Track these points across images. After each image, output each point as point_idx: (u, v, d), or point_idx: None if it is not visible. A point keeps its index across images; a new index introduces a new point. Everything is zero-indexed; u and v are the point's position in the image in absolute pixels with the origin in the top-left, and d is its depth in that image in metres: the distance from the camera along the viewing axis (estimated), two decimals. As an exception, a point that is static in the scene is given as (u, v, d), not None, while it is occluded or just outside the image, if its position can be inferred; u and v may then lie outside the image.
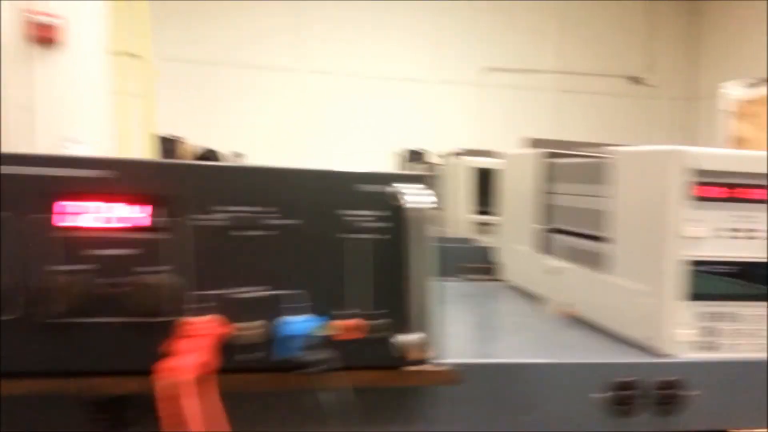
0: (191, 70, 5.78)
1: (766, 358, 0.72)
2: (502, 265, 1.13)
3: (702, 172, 0.70)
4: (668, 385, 0.68)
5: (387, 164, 4.33)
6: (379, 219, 0.54)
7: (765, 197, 0.72)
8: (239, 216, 0.52)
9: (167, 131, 4.68)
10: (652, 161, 0.73)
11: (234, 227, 0.52)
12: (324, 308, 0.53)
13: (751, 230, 0.72)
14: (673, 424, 0.69)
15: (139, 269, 0.50)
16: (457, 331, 0.77)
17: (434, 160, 2.76)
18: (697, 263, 0.70)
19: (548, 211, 0.98)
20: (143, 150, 4.38)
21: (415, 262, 0.53)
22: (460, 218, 1.37)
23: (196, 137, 5.34)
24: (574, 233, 0.91)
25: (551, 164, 0.98)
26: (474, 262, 1.19)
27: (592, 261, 0.84)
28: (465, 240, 1.30)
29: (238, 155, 5.28)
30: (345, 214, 0.53)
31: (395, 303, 0.54)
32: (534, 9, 6.25)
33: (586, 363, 0.67)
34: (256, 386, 0.52)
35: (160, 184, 0.51)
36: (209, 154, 4.01)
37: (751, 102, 1.98)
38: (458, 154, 1.41)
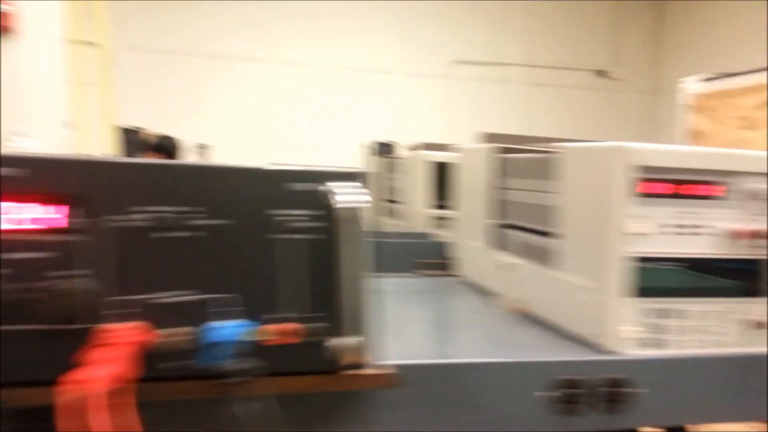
0: (158, 60, 5.66)
1: (713, 354, 0.72)
2: (458, 260, 1.12)
3: (647, 169, 0.70)
4: (614, 383, 0.68)
5: (355, 156, 4.31)
6: (313, 218, 0.52)
7: (710, 193, 0.72)
8: (163, 216, 0.49)
9: (132, 122, 4.58)
10: (597, 157, 0.73)
11: (157, 228, 0.49)
12: (255, 312, 0.51)
13: (697, 226, 0.72)
14: (620, 422, 0.69)
15: (54, 274, 0.47)
16: (407, 330, 0.76)
17: (402, 152, 2.74)
18: (643, 260, 0.70)
19: (501, 206, 0.98)
20: (103, 141, 4.27)
21: (347, 262, 0.51)
22: (419, 213, 1.36)
23: (161, 128, 5.24)
24: (525, 229, 0.90)
25: (504, 159, 0.97)
26: (431, 258, 1.18)
27: (542, 257, 0.84)
28: (423, 235, 1.28)
29: (203, 147, 5.20)
30: (276, 213, 0.51)
31: (331, 305, 0.52)
32: (502, 3, 6.26)
33: (532, 361, 0.67)
34: (181, 395, 0.49)
35: (77, 183, 0.48)
36: (165, 142, 3.90)
37: (707, 96, 2.01)
38: (416, 147, 1.39)
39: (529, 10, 6.36)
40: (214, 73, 5.80)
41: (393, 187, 1.54)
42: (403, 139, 6.04)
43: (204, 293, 0.50)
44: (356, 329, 0.52)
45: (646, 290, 0.70)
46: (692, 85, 2.07)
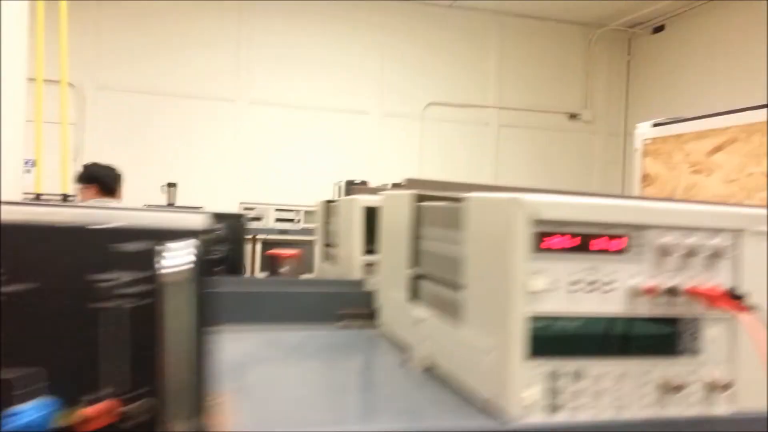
0: (128, 100, 5.63)
1: (626, 420, 0.67)
2: (382, 310, 1.06)
3: (548, 222, 0.65)
4: (513, 454, 0.62)
5: (327, 195, 4.27)
6: (141, 282, 0.46)
7: (618, 248, 0.67)
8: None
9: (101, 160, 4.51)
10: (495, 209, 0.68)
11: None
12: (68, 391, 0.44)
13: (604, 283, 0.67)
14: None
15: None
16: (289, 395, 0.70)
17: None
18: (542, 318, 0.65)
19: (418, 255, 0.92)
20: (64, 179, 4.18)
21: (175, 330, 0.45)
22: (354, 258, 1.30)
23: (130, 167, 5.17)
24: (438, 281, 0.85)
25: (420, 207, 0.92)
26: (358, 307, 1.12)
27: (450, 312, 0.78)
28: (357, 283, 1.23)
29: (171, 185, 5.13)
30: (97, 276, 0.45)
31: (157, 381, 0.46)
32: (478, 47, 6.37)
33: (415, 430, 0.60)
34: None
35: None
36: (100, 171, 3.38)
37: (655, 140, 2.01)
38: (359, 190, 1.34)
39: (504, 55, 6.48)
40: (189, 113, 5.78)
41: (330, 231, 1.49)
42: (376, 178, 6.04)
43: (2, 370, 0.44)
44: (189, 405, 0.46)
45: (550, 351, 0.65)
46: (645, 130, 2.07)
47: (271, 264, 1.60)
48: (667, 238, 0.68)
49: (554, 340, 0.65)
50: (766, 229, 0.70)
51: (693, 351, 0.69)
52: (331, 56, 6.04)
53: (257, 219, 5.07)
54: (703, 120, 1.85)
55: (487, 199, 0.70)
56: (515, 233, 0.64)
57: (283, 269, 1.55)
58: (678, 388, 0.67)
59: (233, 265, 1.20)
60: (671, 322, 0.69)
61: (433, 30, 6.29)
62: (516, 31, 6.48)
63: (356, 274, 1.29)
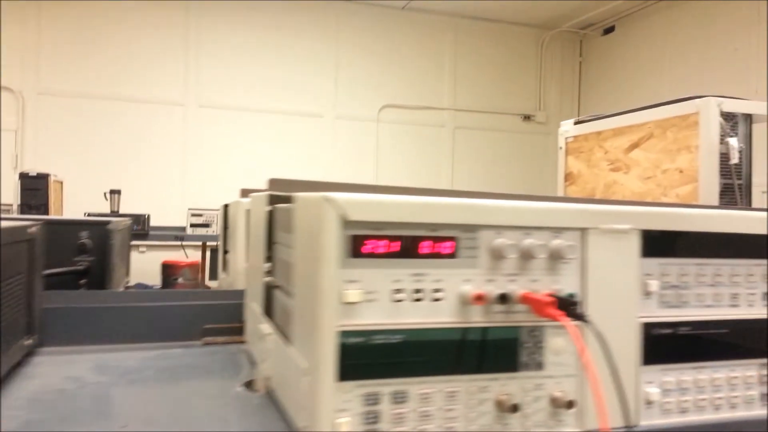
0: (71, 105, 5.44)
1: None
2: (246, 324, 0.97)
3: (364, 224, 0.58)
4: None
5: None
6: None
7: (440, 252, 0.60)
8: None
9: (41, 168, 4.33)
10: (313, 209, 0.60)
11: None
12: None
13: (426, 291, 0.60)
14: None
15: None
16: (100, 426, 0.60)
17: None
18: (359, 333, 0.57)
19: (272, 262, 0.84)
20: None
21: None
22: (240, 266, 1.21)
23: (73, 173, 5.00)
24: (284, 290, 0.77)
25: (272, 210, 0.84)
26: (228, 321, 1.03)
27: (285, 326, 0.70)
28: (236, 293, 1.14)
29: (114, 192, 4.96)
30: None
31: None
32: (430, 52, 6.34)
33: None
34: None
35: None
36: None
37: (577, 138, 1.97)
38: (245, 193, 1.26)
39: (458, 57, 6.46)
40: (133, 116, 5.61)
41: (228, 236, 1.40)
42: (332, 180, 5.94)
43: None
44: None
45: (369, 370, 0.57)
46: (568, 128, 2.03)
47: (165, 274, 1.49)
48: (502, 240, 0.61)
49: (373, 357, 0.58)
50: (613, 227, 0.64)
51: (536, 365, 0.62)
52: (283, 58, 5.94)
53: (206, 225, 4.92)
54: (621, 117, 1.81)
55: (307, 199, 0.63)
56: (326, 236, 0.57)
57: (179, 279, 1.45)
58: (517, 407, 0.60)
59: (99, 277, 1.10)
60: (512, 332, 0.62)
61: (388, 32, 6.25)
62: (470, 33, 6.47)
63: (241, 283, 1.20)
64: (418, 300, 0.59)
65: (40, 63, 5.40)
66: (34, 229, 0.86)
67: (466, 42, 6.46)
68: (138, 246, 4.63)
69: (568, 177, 2.03)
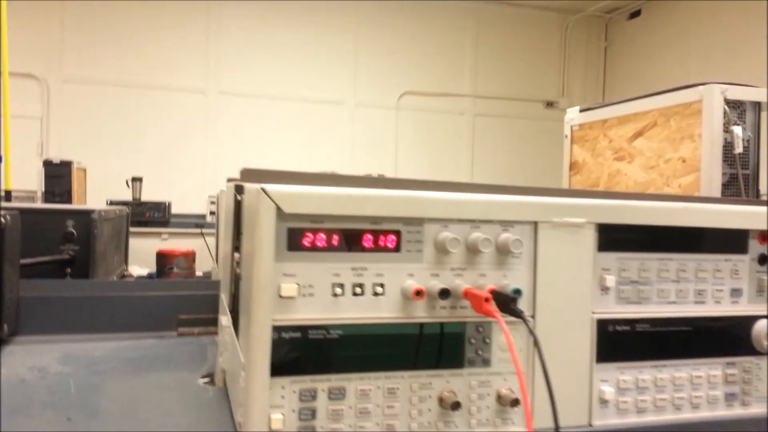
0: (94, 92, 5.51)
1: None
2: (219, 315, 0.97)
3: (303, 216, 0.57)
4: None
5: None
6: None
7: (382, 246, 0.59)
8: None
9: (64, 155, 4.42)
10: (253, 200, 0.59)
11: None
12: None
13: (367, 285, 0.58)
14: None
15: None
16: (37, 420, 0.61)
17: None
18: (296, 328, 0.56)
19: (240, 253, 0.84)
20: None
21: None
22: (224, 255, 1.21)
23: (95, 161, 5.08)
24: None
25: (240, 200, 0.84)
26: (205, 311, 1.03)
27: (236, 320, 0.69)
28: (217, 284, 1.14)
29: (136, 180, 5.03)
30: None
31: None
32: (453, 36, 6.26)
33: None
34: None
35: None
36: None
37: (582, 126, 1.92)
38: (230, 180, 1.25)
39: (480, 43, 6.37)
40: (158, 104, 5.67)
41: (218, 227, 1.40)
42: (351, 169, 5.94)
43: None
44: None
45: (306, 366, 0.57)
46: (573, 116, 1.98)
47: (160, 263, 1.51)
48: (447, 233, 0.59)
49: (310, 352, 0.57)
50: (566, 220, 0.62)
51: (482, 361, 0.61)
52: (304, 45, 5.92)
53: (225, 213, 4.95)
54: (626, 104, 1.76)
55: (249, 191, 0.62)
56: (261, 228, 0.56)
57: (174, 268, 1.47)
58: (460, 404, 0.59)
59: (84, 266, 1.11)
60: (457, 327, 0.60)
61: (408, 18, 6.18)
62: (492, 18, 6.36)
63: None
64: (358, 295, 0.58)
65: (64, 51, 5.48)
66: (8, 218, 0.87)
67: (487, 27, 6.36)
68: (161, 233, 4.70)
69: (573, 166, 1.99)
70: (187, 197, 5.33)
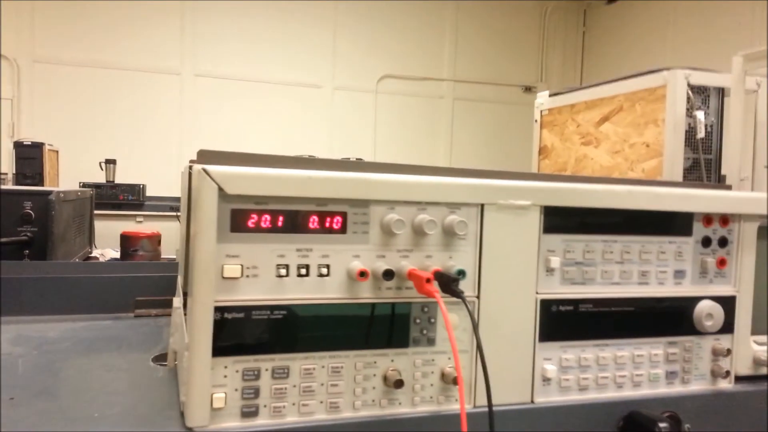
0: (66, 73, 5.40)
1: (343, 419, 0.59)
2: (174, 297, 0.97)
3: (246, 198, 0.57)
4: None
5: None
6: None
7: (328, 227, 0.59)
8: None
9: (36, 137, 4.33)
10: (198, 182, 0.59)
11: None
12: None
13: (312, 266, 0.58)
14: None
15: None
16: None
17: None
18: (239, 308, 0.57)
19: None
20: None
21: None
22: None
23: (68, 143, 4.99)
24: (196, 264, 0.76)
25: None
26: (166, 293, 1.03)
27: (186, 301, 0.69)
28: (176, 266, 1.13)
29: (110, 162, 4.96)
30: None
31: None
32: (431, 20, 6.23)
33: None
34: None
35: None
36: None
37: (551, 111, 1.93)
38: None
39: (459, 27, 6.35)
40: (130, 85, 5.56)
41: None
42: (329, 152, 5.90)
43: None
44: None
45: (248, 346, 0.57)
46: (543, 100, 1.99)
47: (124, 245, 1.50)
48: (393, 215, 0.59)
49: (253, 333, 0.57)
50: (511, 203, 0.62)
51: (427, 341, 0.61)
52: (281, 27, 5.84)
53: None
54: (593, 89, 1.77)
55: (195, 172, 0.61)
56: (203, 209, 0.56)
57: (139, 251, 1.46)
58: (402, 382, 0.60)
59: (41, 248, 1.10)
60: (402, 308, 0.61)
61: (388, 1, 6.13)
62: (471, 2, 6.34)
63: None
64: (303, 276, 0.58)
65: (35, 30, 5.35)
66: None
67: (467, 11, 6.34)
68: (135, 216, 4.65)
69: (543, 150, 2.00)
70: (162, 180, 5.26)
